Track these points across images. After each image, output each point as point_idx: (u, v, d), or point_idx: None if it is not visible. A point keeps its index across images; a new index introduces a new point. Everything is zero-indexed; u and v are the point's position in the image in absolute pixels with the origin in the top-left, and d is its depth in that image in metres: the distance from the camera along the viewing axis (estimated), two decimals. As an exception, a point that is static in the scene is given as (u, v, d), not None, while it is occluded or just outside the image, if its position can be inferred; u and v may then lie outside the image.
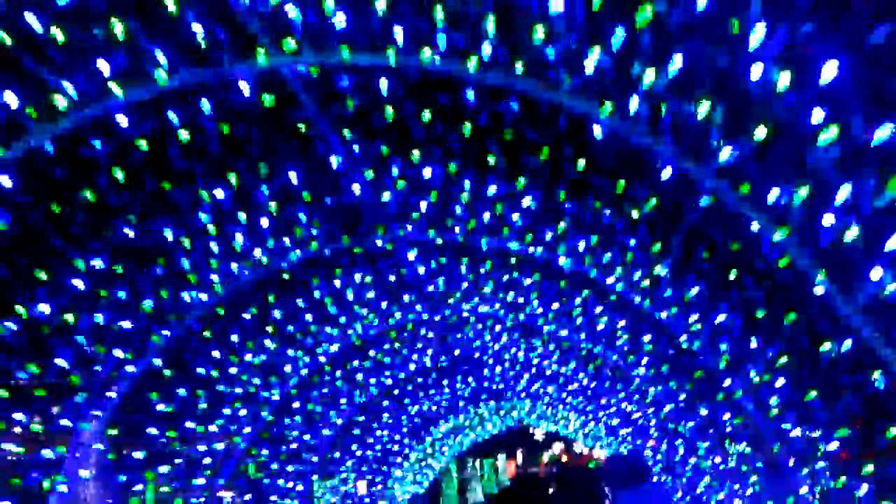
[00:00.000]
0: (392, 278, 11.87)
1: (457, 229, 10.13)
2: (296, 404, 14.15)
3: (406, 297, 12.62)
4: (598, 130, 6.33)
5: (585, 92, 6.04)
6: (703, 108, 5.32)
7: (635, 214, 7.63)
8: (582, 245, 8.90)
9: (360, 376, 14.84)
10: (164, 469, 11.71)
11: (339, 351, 13.61)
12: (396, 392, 16.64)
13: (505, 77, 6.30)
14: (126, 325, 9.49)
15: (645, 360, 11.98)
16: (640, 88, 5.59)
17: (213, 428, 12.30)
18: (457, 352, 15.93)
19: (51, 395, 9.56)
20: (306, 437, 14.97)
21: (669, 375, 11.82)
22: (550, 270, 10.78)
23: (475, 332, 14.69)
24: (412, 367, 15.64)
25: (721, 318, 8.19)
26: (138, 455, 11.22)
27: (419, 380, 16.72)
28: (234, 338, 11.42)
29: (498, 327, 14.36)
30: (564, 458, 58.15)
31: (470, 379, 17.91)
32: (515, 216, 8.91)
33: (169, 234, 8.57)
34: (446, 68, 6.49)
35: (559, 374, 16.03)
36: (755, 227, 6.17)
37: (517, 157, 7.60)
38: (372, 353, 14.32)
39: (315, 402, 14.59)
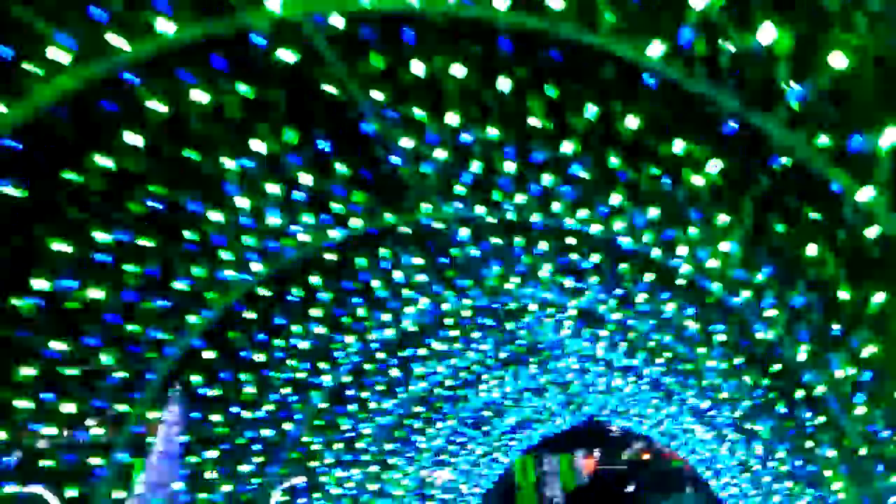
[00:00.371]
0: (443, 260, 11.10)
1: (506, 204, 9.31)
2: (349, 392, 13.57)
3: (460, 282, 11.83)
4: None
5: (630, 29, 5.13)
6: (768, 34, 4.33)
7: (698, 181, 6.63)
8: (640, 220, 7.92)
9: (416, 365, 14.12)
10: (210, 454, 11.28)
11: (392, 337, 12.93)
12: (456, 382, 15.87)
13: (539, 19, 5.45)
14: (160, 303, 9.04)
15: (717, 351, 10.85)
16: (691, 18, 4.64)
17: (261, 413, 11.82)
18: (518, 342, 15.06)
19: (86, 376, 9.20)
20: (361, 426, 14.37)
21: (744, 369, 10.67)
22: (610, 251, 9.81)
23: (536, 319, 13.78)
24: (471, 355, 14.84)
25: (799, 300, 7.09)
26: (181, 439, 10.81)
27: (480, 369, 15.90)
28: (280, 321, 10.88)
29: (559, 315, 13.41)
30: (645, 457, 56.34)
31: (534, 370, 16.99)
32: (566, 188, 8.01)
33: (196, 207, 8.02)
34: (474, 13, 5.70)
35: (628, 366, 14.95)
36: (837, 185, 5.15)
37: (562, 116, 6.71)
38: (428, 340, 13.57)
39: (370, 390, 13.97)
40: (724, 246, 7.27)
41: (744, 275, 7.64)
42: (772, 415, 10.83)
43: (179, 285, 9.01)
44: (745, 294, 8.15)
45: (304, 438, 13.21)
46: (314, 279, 10.54)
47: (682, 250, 8.20)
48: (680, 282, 9.52)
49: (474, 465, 20.04)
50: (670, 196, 7.10)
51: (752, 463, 14.34)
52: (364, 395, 13.98)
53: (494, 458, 20.78)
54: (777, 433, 11.28)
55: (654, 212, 7.61)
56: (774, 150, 5.47)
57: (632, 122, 6.26)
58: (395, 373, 14.05)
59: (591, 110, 6.39)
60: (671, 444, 20.31)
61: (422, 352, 13.85)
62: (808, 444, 10.20)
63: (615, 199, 7.67)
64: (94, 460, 9.42)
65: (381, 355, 13.34)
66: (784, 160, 5.71)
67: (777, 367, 9.44)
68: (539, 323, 13.92)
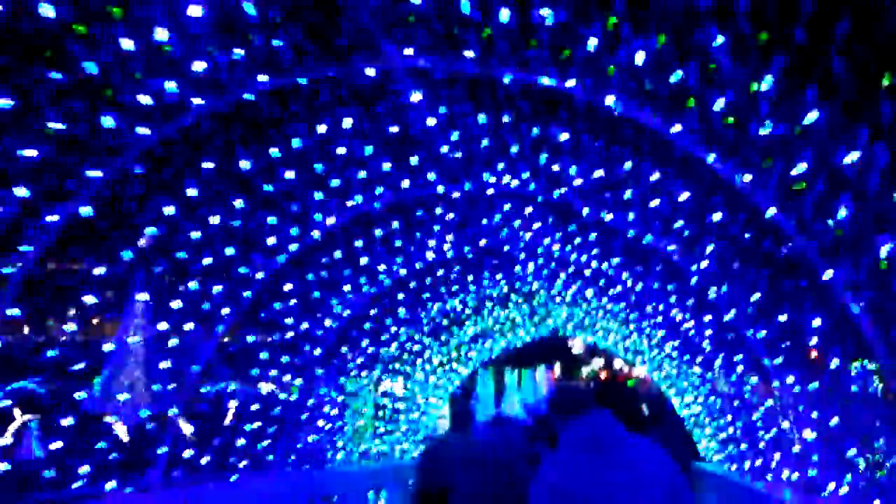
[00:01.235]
0: (394, 129, 8.89)
1: (469, 53, 7.08)
2: (288, 286, 11.47)
3: (415, 160, 9.66)
4: None
5: None
6: None
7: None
8: (642, 56, 5.72)
9: (365, 260, 12.04)
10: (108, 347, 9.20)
11: (336, 225, 10.79)
12: (413, 284, 13.85)
13: None
14: (29, 153, 6.75)
15: (710, 248, 8.86)
16: None
17: (175, 304, 9.70)
18: (482, 242, 13.02)
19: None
20: (304, 325, 12.33)
21: (741, 270, 8.72)
22: (594, 117, 7.68)
23: (503, 215, 11.71)
24: (430, 255, 12.79)
25: (853, 157, 4.98)
26: (71, 327, 8.70)
27: (439, 272, 13.89)
28: (193, 192, 8.64)
29: (529, 210, 11.35)
30: (603, 375, 55.63)
31: (499, 276, 15.04)
32: (546, 10, 5.77)
33: (49, 10, 5.66)
34: None
35: (600, 272, 13.01)
36: None
37: None
38: (378, 232, 11.46)
39: (313, 286, 11.89)
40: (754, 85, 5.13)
41: (773, 129, 5.53)
42: (766, 324, 8.94)
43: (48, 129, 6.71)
44: (767, 162, 6.06)
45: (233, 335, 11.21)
46: (235, 140, 8.31)
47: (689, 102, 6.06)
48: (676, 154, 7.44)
49: (433, 375, 18.28)
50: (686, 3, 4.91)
51: (727, 382, 12.62)
52: (306, 291, 11.91)
53: (452, 370, 19.04)
54: (768, 346, 9.42)
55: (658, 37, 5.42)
56: None
57: None
58: (342, 268, 11.99)
59: None
60: (637, 360, 18.60)
61: (373, 245, 11.75)
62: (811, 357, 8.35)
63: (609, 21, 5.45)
64: None
65: (324, 246, 11.23)
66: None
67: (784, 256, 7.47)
68: (506, 219, 11.88)
